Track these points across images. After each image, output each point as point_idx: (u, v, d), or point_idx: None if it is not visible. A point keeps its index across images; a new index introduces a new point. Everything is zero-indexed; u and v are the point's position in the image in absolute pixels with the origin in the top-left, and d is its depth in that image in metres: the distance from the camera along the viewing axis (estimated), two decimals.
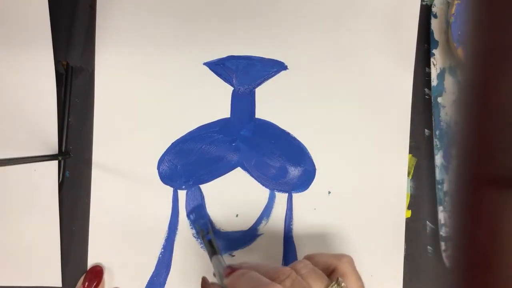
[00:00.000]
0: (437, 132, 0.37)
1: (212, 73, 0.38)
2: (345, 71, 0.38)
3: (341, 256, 0.29)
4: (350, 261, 0.29)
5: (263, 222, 0.38)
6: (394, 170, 0.38)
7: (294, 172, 0.38)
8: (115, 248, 0.37)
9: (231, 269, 0.29)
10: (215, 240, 0.35)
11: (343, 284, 0.27)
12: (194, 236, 0.37)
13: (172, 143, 0.37)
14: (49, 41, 0.36)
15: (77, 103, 0.38)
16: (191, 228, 0.37)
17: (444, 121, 0.37)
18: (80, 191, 0.37)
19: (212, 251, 0.33)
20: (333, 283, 0.27)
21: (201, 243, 0.37)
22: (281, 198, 0.38)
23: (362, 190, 0.38)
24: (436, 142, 0.37)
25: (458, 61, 0.37)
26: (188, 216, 0.37)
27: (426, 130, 0.38)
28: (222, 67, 0.38)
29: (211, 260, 0.33)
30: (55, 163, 0.37)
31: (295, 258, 0.37)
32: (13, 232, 0.37)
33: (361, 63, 0.38)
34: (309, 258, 0.30)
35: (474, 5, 0.14)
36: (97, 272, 0.36)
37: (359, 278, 0.28)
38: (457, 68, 0.38)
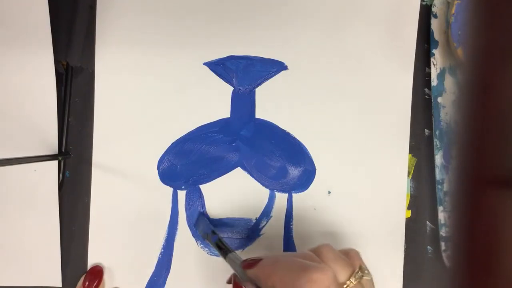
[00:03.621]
0: (437, 132, 0.37)
1: (212, 73, 0.38)
2: (345, 71, 0.38)
3: (349, 250, 0.29)
4: (359, 254, 0.29)
5: (263, 222, 0.38)
6: (394, 170, 0.38)
7: (294, 172, 0.38)
8: (115, 248, 0.37)
9: (253, 261, 0.27)
10: (222, 239, 0.33)
11: (366, 272, 0.26)
12: (193, 237, 0.37)
13: (172, 143, 0.37)
14: (49, 41, 0.36)
15: (77, 103, 0.38)
16: (196, 239, 0.37)
17: (444, 121, 0.37)
18: (80, 191, 0.37)
19: (224, 250, 0.32)
20: (357, 270, 0.26)
21: (202, 246, 0.37)
22: (281, 198, 0.38)
23: (362, 190, 0.38)
24: (436, 142, 0.37)
25: (458, 61, 0.37)
26: (191, 226, 0.37)
27: (426, 130, 0.38)
28: (222, 67, 0.38)
29: (225, 260, 0.31)
30: (55, 163, 0.37)
31: None
32: (13, 232, 0.37)
33: (361, 63, 0.38)
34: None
35: (474, 5, 0.14)
36: (97, 272, 0.36)
37: (369, 271, 0.28)
38: (457, 68, 0.38)
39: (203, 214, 0.37)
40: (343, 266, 0.26)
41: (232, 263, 0.30)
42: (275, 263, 0.26)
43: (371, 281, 0.27)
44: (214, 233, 0.34)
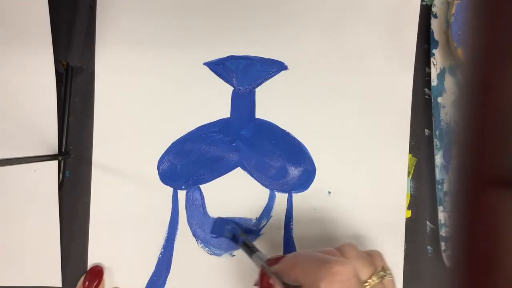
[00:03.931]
0: (437, 132, 0.37)
1: (212, 73, 0.38)
2: (345, 71, 0.38)
3: (372, 251, 0.29)
4: (382, 255, 0.29)
5: (263, 222, 0.38)
6: (394, 170, 0.38)
7: (294, 172, 0.38)
8: (115, 248, 0.37)
9: (277, 258, 0.29)
10: (248, 239, 0.35)
11: (388, 272, 0.27)
12: (193, 236, 0.37)
13: (172, 143, 0.37)
14: (49, 41, 0.36)
15: (77, 103, 0.38)
16: (196, 239, 0.37)
17: (444, 121, 0.37)
18: (80, 191, 0.37)
19: (250, 250, 0.33)
20: (379, 269, 0.27)
21: (202, 246, 0.37)
22: (281, 198, 0.38)
23: (362, 190, 0.38)
24: (436, 142, 0.37)
25: (458, 61, 0.37)
26: (191, 226, 0.37)
27: (426, 130, 0.38)
28: (222, 67, 0.38)
29: (251, 258, 0.33)
30: (55, 163, 0.37)
31: None
32: (13, 232, 0.37)
33: (361, 63, 0.38)
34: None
35: (474, 5, 0.14)
36: (97, 272, 0.36)
37: (393, 273, 0.28)
38: (457, 68, 0.38)
39: (222, 218, 0.37)
40: (365, 265, 0.27)
41: (258, 261, 0.31)
42: (297, 257, 0.27)
43: (392, 282, 0.28)
44: (242, 233, 0.36)
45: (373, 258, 0.28)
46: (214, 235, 0.37)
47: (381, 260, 0.28)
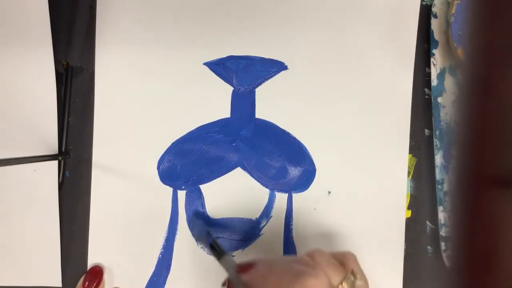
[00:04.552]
0: (437, 132, 0.37)
1: (212, 73, 0.38)
2: (345, 71, 0.38)
3: (345, 253, 0.29)
4: (356, 258, 0.29)
5: (263, 222, 0.38)
6: (394, 170, 0.38)
7: (294, 172, 0.38)
8: (115, 248, 0.37)
9: (247, 265, 0.27)
10: (217, 241, 0.33)
11: (358, 276, 0.26)
12: (193, 236, 0.37)
13: (172, 143, 0.37)
14: (49, 41, 0.36)
15: (77, 103, 0.38)
16: (197, 242, 0.37)
17: (444, 121, 0.37)
18: (80, 191, 0.37)
19: (219, 252, 0.31)
20: (349, 275, 0.26)
21: (202, 246, 0.37)
22: (281, 198, 0.38)
23: (362, 190, 0.38)
24: (436, 142, 0.37)
25: (458, 61, 0.37)
26: (189, 226, 0.37)
27: (426, 130, 0.38)
28: (222, 67, 0.38)
29: (219, 262, 0.31)
30: (55, 163, 0.37)
31: None
32: (13, 232, 0.37)
33: (361, 63, 0.38)
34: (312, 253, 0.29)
35: (474, 5, 0.14)
36: (97, 272, 0.36)
37: (364, 275, 0.28)
38: (457, 68, 0.38)
39: (197, 215, 0.37)
40: (336, 270, 0.26)
41: (226, 266, 0.30)
42: (269, 268, 0.26)
43: (365, 286, 0.27)
44: (208, 233, 0.33)
45: (345, 260, 0.28)
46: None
47: (353, 263, 0.28)
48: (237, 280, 0.27)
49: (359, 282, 0.27)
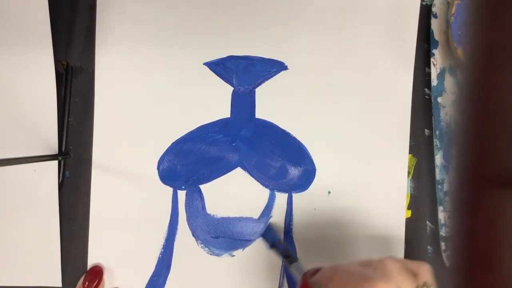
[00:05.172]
0: (437, 132, 0.37)
1: (212, 73, 0.38)
2: (345, 71, 0.38)
3: (419, 263, 0.28)
4: (430, 269, 0.28)
5: (263, 222, 0.38)
6: (394, 170, 0.38)
7: (294, 172, 0.38)
8: (115, 248, 0.37)
9: (315, 270, 0.28)
10: (289, 249, 0.35)
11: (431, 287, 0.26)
12: (193, 236, 0.37)
13: (172, 143, 0.37)
14: (49, 41, 0.36)
15: (77, 103, 0.38)
16: (196, 239, 0.37)
17: (444, 121, 0.37)
18: (80, 191, 0.37)
19: (290, 259, 0.33)
20: (422, 285, 0.25)
21: (202, 246, 0.37)
22: (281, 198, 0.38)
23: (362, 190, 0.38)
24: (436, 142, 0.37)
25: (458, 61, 0.37)
26: (191, 226, 0.37)
27: (426, 130, 0.38)
28: (222, 67, 0.38)
29: (289, 268, 0.33)
30: (55, 163, 0.37)
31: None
32: (13, 232, 0.37)
33: (361, 63, 0.38)
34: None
35: (474, 5, 0.14)
36: (97, 272, 0.36)
37: None
38: (457, 68, 0.38)
39: (271, 225, 0.37)
40: (408, 280, 0.26)
41: (296, 270, 0.31)
42: (335, 270, 0.26)
43: None
44: (280, 242, 0.36)
45: (419, 270, 0.27)
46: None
47: (426, 275, 0.27)
48: (310, 282, 0.28)
49: None
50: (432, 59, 0.38)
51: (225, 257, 0.37)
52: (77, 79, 0.38)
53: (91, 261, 0.37)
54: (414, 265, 0.28)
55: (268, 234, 0.37)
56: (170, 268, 0.37)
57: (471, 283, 0.14)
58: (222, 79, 0.38)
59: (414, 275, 0.27)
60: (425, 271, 0.27)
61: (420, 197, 0.38)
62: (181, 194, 0.37)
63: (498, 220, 0.13)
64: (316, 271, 0.28)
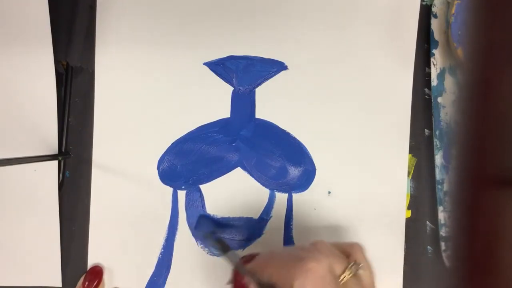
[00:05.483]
0: (437, 132, 0.37)
1: (212, 73, 0.38)
2: (345, 71, 0.38)
3: (351, 243, 0.29)
4: (361, 248, 0.29)
5: (263, 222, 0.38)
6: (394, 170, 0.38)
7: (294, 172, 0.38)
8: (115, 248, 0.37)
9: (251, 256, 0.29)
10: (222, 238, 0.35)
11: (360, 265, 0.26)
12: (193, 237, 0.37)
13: (172, 143, 0.37)
14: (49, 41, 0.36)
15: (77, 103, 0.38)
16: (196, 239, 0.37)
17: (444, 121, 0.37)
18: (80, 191, 0.37)
19: (225, 247, 0.33)
20: (351, 264, 0.26)
21: (202, 246, 0.37)
22: (281, 198, 0.38)
23: (362, 190, 0.38)
24: (436, 142, 0.37)
25: (458, 61, 0.37)
26: (191, 226, 0.37)
27: (426, 130, 0.38)
28: (222, 67, 0.38)
29: (225, 257, 0.32)
30: (55, 163, 0.37)
31: None
32: (13, 232, 0.37)
33: (361, 63, 0.38)
34: None
35: (474, 5, 0.14)
36: (97, 272, 0.36)
37: (370, 265, 0.28)
38: (457, 68, 0.38)
39: (204, 215, 0.37)
40: (339, 260, 0.26)
41: (231, 259, 0.31)
42: (270, 255, 0.27)
43: (369, 274, 0.27)
44: (214, 232, 0.35)
45: (351, 250, 0.28)
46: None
47: (359, 253, 0.28)
48: (242, 270, 0.28)
49: (362, 272, 0.27)
50: (432, 59, 0.38)
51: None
52: (77, 79, 0.38)
53: (91, 261, 0.37)
54: (346, 245, 0.29)
55: (201, 226, 0.37)
56: (170, 268, 0.37)
57: (471, 283, 0.14)
58: (222, 79, 0.38)
59: (347, 255, 0.28)
60: (357, 251, 0.28)
61: (420, 197, 0.38)
62: (181, 194, 0.37)
63: (498, 220, 0.13)
64: (251, 257, 0.28)
